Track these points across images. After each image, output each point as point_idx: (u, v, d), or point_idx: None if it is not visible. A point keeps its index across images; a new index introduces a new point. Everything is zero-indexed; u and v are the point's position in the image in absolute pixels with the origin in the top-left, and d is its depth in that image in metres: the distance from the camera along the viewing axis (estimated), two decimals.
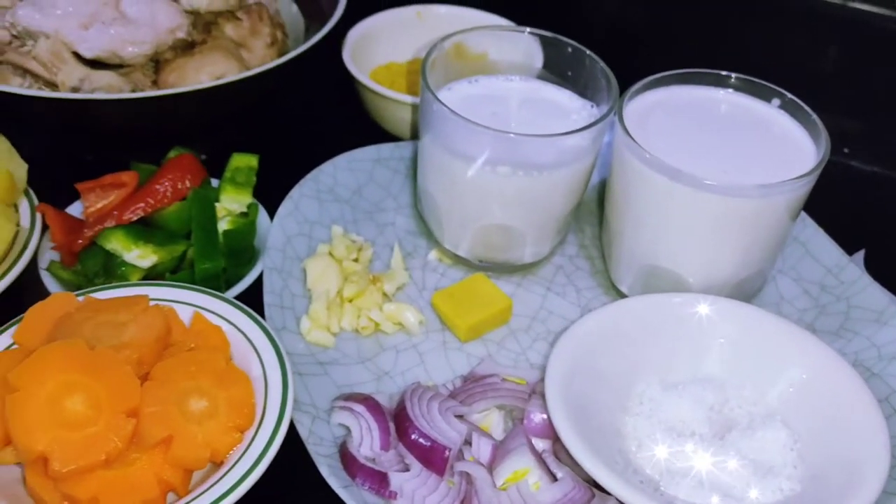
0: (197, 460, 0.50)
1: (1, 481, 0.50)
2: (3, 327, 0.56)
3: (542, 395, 0.57)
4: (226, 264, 0.63)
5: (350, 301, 0.66)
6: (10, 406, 0.48)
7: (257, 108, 0.80)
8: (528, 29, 0.69)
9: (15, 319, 0.56)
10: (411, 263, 0.72)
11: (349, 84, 0.84)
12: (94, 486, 0.48)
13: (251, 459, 0.50)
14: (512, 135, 0.60)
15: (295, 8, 0.87)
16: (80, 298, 0.57)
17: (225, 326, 0.57)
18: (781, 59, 0.89)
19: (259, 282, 0.66)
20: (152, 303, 0.56)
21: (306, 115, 0.89)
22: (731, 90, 0.66)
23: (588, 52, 0.67)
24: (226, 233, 0.64)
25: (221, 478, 0.49)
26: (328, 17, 0.80)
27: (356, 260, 0.70)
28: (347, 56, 0.83)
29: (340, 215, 0.73)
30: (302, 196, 0.71)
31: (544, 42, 0.70)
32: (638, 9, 1.18)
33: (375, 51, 0.89)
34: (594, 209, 0.77)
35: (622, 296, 0.69)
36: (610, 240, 0.69)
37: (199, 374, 0.52)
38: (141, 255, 0.61)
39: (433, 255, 0.73)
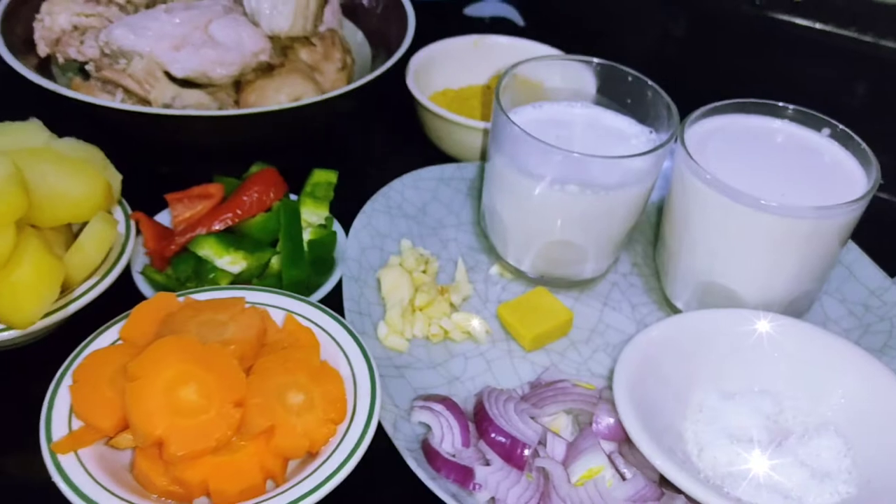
0: (296, 449, 0.54)
1: (112, 468, 0.53)
2: (108, 324, 0.60)
3: (609, 401, 0.61)
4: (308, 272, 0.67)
5: (421, 310, 0.70)
6: (130, 394, 0.51)
7: (328, 128, 0.85)
8: (596, 60, 0.74)
9: (119, 317, 0.60)
10: (473, 277, 0.76)
11: (405, 105, 0.89)
12: (204, 471, 0.52)
13: (346, 450, 0.53)
14: (584, 156, 0.65)
15: (361, 35, 0.92)
16: (180, 299, 0.60)
17: (314, 328, 0.61)
18: (815, 94, 0.93)
19: (335, 290, 0.70)
20: (247, 305, 0.60)
21: (366, 135, 0.94)
22: (783, 120, 0.71)
23: (649, 81, 0.72)
24: (310, 242, 0.68)
25: (319, 467, 0.53)
26: (395, 46, 0.84)
27: (424, 272, 0.74)
28: (411, 81, 0.87)
29: (408, 230, 0.77)
30: (374, 211, 0.76)
31: (604, 71, 0.75)
32: (674, 43, 1.23)
33: (433, 77, 0.94)
34: (645, 230, 0.81)
35: (676, 311, 0.73)
36: (667, 258, 0.72)
37: (296, 370, 0.56)
38: (232, 262, 0.65)
39: (494, 269, 0.77)
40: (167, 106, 0.73)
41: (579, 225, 0.69)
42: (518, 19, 1.23)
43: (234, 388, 0.53)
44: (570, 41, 0.97)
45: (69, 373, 0.56)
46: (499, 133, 0.69)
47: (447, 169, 0.82)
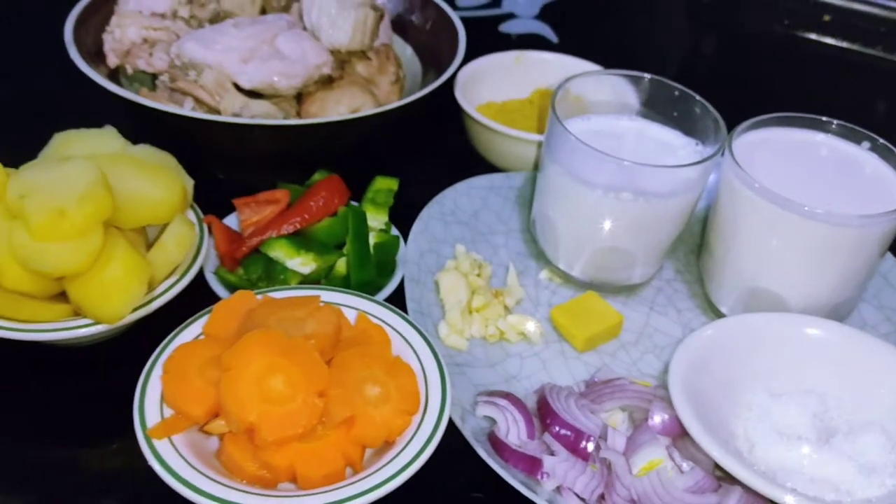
0: (375, 439, 0.57)
1: (201, 453, 0.56)
2: (190, 320, 0.63)
3: (663, 399, 0.64)
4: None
5: (477, 311, 0.73)
6: (225, 383, 0.55)
7: (382, 138, 0.88)
8: (645, 75, 0.77)
9: (200, 313, 0.63)
10: (524, 281, 0.79)
11: (449, 116, 0.92)
12: (290, 456, 0.55)
13: (422, 440, 0.56)
14: (639, 165, 0.68)
15: (410, 50, 0.96)
16: (258, 297, 0.64)
17: (384, 326, 0.64)
18: (841, 110, 0.96)
19: (395, 291, 0.73)
20: (321, 303, 0.64)
21: (414, 143, 0.97)
22: (825, 133, 0.74)
23: (697, 96, 0.75)
24: (375, 246, 0.71)
25: (397, 455, 0.56)
26: (446, 62, 0.88)
27: (479, 275, 0.77)
28: (460, 94, 0.91)
29: (461, 235, 0.81)
30: (430, 217, 0.79)
31: (651, 86, 0.78)
32: (703, 60, 1.27)
33: (477, 91, 0.97)
34: (686, 239, 0.84)
35: (720, 315, 0.76)
36: (712, 264, 0.76)
37: (372, 363, 0.59)
38: (303, 263, 0.69)
39: (544, 274, 0.80)
40: (236, 115, 0.76)
41: (631, 231, 0.73)
42: (552, 36, 1.27)
43: (317, 379, 0.56)
44: (602, 58, 1.01)
45: (157, 365, 0.59)
46: (555, 143, 0.72)
47: (496, 178, 0.86)
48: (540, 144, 0.87)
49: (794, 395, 0.66)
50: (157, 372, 0.59)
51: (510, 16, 1.32)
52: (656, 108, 0.79)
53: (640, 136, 0.78)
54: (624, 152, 0.75)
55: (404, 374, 0.60)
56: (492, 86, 1.00)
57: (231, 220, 0.77)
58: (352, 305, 0.65)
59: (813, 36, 1.18)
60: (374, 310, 0.65)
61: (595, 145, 0.71)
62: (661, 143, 0.77)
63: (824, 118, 0.73)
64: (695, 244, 0.84)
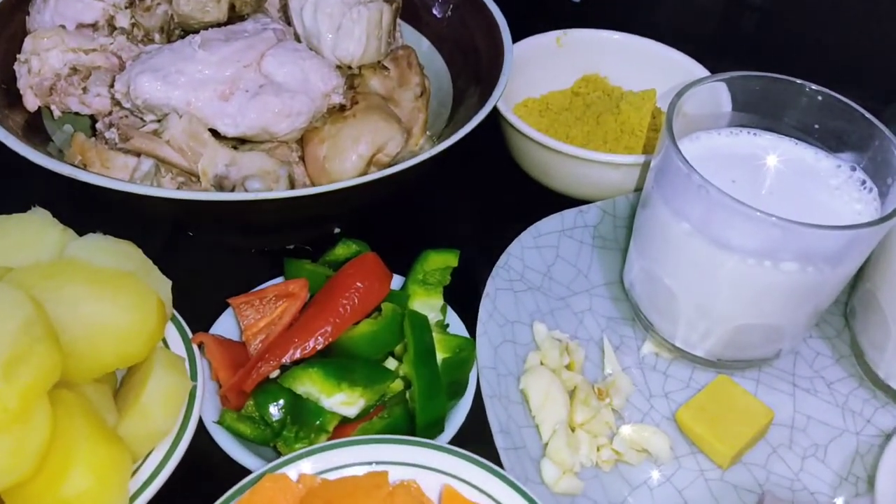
0: None
1: None
2: None
3: None
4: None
5: (581, 426, 0.54)
6: None
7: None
8: (804, 81, 0.56)
9: None
10: (623, 360, 0.60)
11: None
12: None
13: None
14: (809, 227, 0.48)
15: (427, 43, 0.72)
16: (289, 471, 0.43)
17: (477, 497, 0.44)
18: None
19: (472, 408, 0.53)
20: (381, 467, 0.43)
21: (446, 175, 0.74)
22: None
23: (855, 106, 0.55)
24: (445, 363, 0.50)
25: None
26: (486, 59, 0.67)
27: (569, 367, 0.57)
28: (504, 105, 0.69)
29: (536, 307, 0.60)
30: (497, 290, 0.58)
31: (773, 87, 0.58)
32: (749, 14, 1.06)
33: (513, 85, 0.75)
34: None
35: (887, 391, 0.58)
36: (881, 330, 0.57)
37: None
38: (346, 402, 0.48)
39: (648, 348, 0.61)
40: (221, 178, 0.54)
41: (785, 304, 0.53)
42: None
43: None
44: (629, 18, 0.82)
45: None
46: (678, 193, 0.52)
47: (567, 217, 0.65)
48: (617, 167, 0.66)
49: None
50: None
51: None
52: (784, 116, 0.59)
53: (771, 159, 0.57)
54: (758, 188, 0.56)
55: None
56: (529, 77, 0.78)
57: (225, 323, 0.55)
58: (430, 466, 0.45)
59: None
60: (462, 471, 0.45)
61: (715, 178, 0.50)
62: (802, 170, 0.57)
63: None
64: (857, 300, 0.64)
